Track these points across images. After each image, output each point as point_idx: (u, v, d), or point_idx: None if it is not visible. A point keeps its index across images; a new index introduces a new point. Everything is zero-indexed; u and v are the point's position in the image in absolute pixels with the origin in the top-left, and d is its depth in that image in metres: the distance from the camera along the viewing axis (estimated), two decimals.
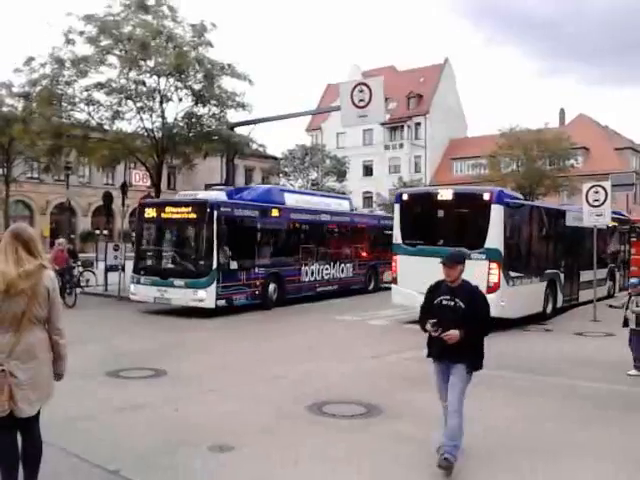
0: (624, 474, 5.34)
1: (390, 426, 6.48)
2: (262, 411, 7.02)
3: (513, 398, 7.84)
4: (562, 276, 15.88)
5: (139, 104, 20.62)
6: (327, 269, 19.59)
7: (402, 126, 60.98)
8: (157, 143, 21.51)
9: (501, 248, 12.91)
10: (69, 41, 20.05)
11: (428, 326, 5.16)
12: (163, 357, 9.91)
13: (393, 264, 14.61)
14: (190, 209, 15.38)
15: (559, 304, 15.79)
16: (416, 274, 12.02)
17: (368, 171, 62.18)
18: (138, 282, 15.78)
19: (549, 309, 15.25)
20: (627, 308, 9.42)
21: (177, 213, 15.65)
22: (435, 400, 5.59)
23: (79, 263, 20.09)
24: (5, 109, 26.64)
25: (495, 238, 12.86)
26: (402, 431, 6.29)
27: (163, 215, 15.84)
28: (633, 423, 6.83)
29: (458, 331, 5.03)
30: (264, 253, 16.90)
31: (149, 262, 16.42)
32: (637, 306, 9.22)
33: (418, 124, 60.73)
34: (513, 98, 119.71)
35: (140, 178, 27.86)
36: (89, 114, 21.00)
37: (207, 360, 10.02)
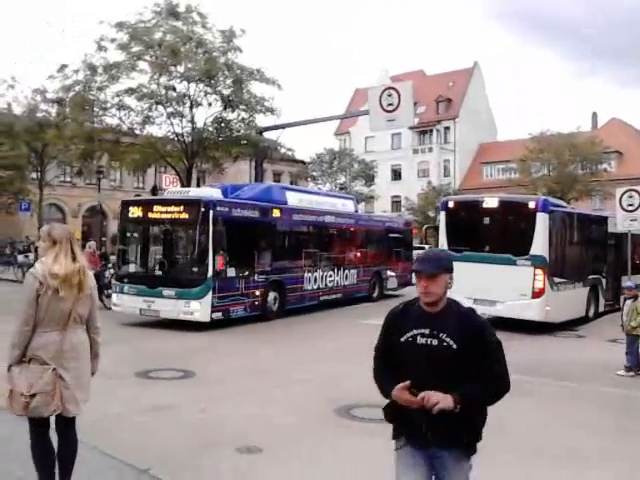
0: None
1: None
2: (290, 413, 7.03)
3: (541, 404, 7.74)
4: (604, 281, 16.29)
5: (169, 109, 20.95)
6: (331, 276, 17.68)
7: (431, 130, 60.66)
8: (187, 147, 21.81)
9: (546, 255, 13.15)
10: (101, 48, 20.50)
11: (400, 391, 2.89)
12: (191, 359, 9.98)
13: None
14: (182, 208, 13.54)
15: (601, 308, 16.14)
16: (462, 279, 12.05)
17: (396, 175, 61.91)
18: (121, 291, 13.96)
19: (591, 313, 15.65)
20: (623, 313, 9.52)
21: (167, 213, 13.69)
22: None
23: (110, 265, 20.40)
24: (39, 115, 27.32)
25: (540, 245, 13.09)
26: None
27: (150, 215, 13.94)
28: None
29: (450, 397, 2.75)
30: (264, 258, 14.97)
31: (134, 269, 14.54)
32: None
33: (447, 128, 60.33)
34: (544, 101, 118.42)
35: (170, 182, 28.20)
36: (120, 119, 21.41)
37: (234, 362, 10.06)
